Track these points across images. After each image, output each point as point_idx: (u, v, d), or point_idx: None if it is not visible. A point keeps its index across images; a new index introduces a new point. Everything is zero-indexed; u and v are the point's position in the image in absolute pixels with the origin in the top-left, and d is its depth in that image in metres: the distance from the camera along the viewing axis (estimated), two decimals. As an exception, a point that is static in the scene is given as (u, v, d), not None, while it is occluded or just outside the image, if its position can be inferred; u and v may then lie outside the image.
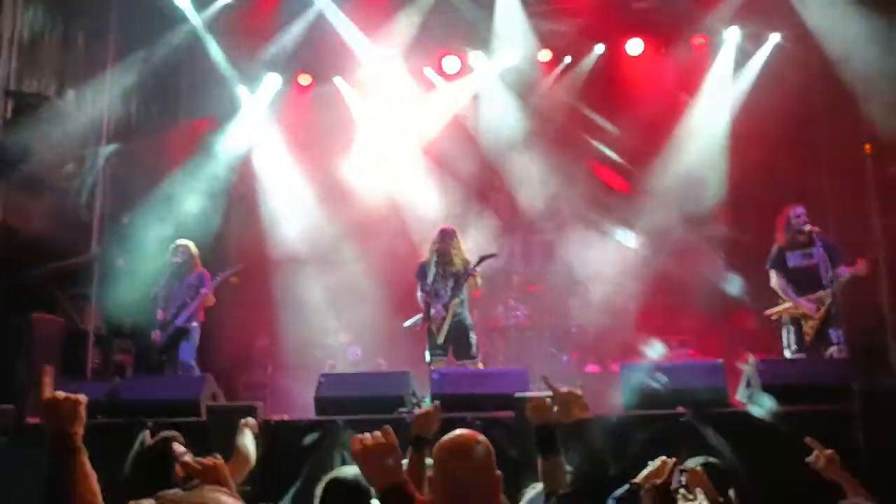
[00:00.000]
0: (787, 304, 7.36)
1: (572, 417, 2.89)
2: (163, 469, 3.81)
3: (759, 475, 5.12)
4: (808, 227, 7.30)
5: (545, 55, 11.32)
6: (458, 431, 2.61)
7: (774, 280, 7.46)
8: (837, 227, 9.47)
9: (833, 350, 6.97)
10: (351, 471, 3.59)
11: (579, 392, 2.95)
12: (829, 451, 3.73)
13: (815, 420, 5.37)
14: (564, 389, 2.96)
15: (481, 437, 2.58)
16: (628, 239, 10.26)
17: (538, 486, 3.84)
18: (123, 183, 10.58)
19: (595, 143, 11.10)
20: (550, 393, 2.99)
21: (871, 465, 4.97)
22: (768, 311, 7.57)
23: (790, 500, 4.86)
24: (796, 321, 7.31)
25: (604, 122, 11.15)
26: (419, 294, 7.70)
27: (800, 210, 7.42)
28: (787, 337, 7.36)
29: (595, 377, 9.91)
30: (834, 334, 7.05)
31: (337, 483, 3.40)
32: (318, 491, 3.49)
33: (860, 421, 5.15)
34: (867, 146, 9.80)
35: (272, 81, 11.55)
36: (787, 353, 7.30)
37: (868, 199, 9.63)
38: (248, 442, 4.25)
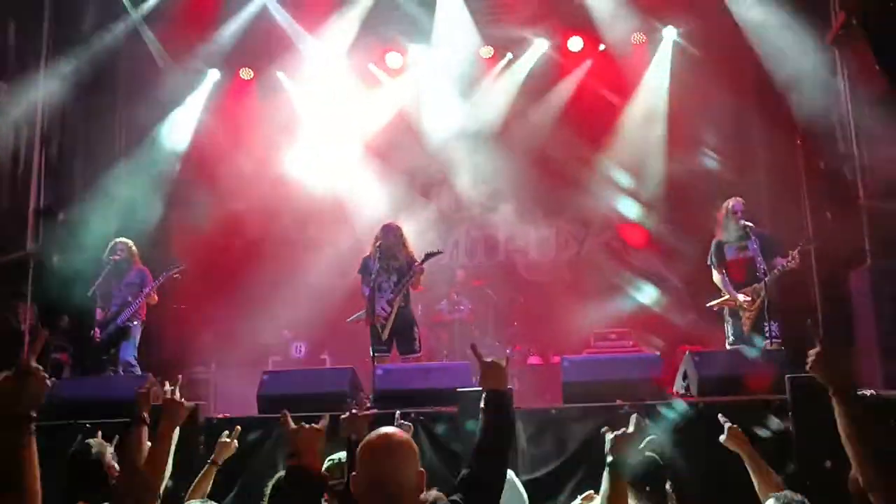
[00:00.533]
0: (727, 297, 7.56)
1: (491, 386, 2.94)
2: (97, 474, 3.78)
3: (696, 465, 5.27)
4: (744, 222, 7.50)
5: (487, 52, 11.39)
6: (383, 429, 2.65)
7: (716, 275, 7.68)
8: (772, 221, 9.78)
9: (767, 341, 7.18)
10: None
11: (503, 363, 3.01)
12: (731, 426, 4.05)
13: (749, 410, 5.54)
14: (489, 359, 3.01)
15: (403, 435, 2.61)
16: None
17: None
18: (60, 178, 10.36)
19: (536, 138, 11.18)
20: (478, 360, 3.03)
21: (800, 453, 5.15)
22: (710, 304, 7.76)
23: (726, 489, 4.99)
24: (735, 313, 7.53)
25: (544, 118, 11.24)
26: (362, 289, 7.69)
27: (737, 205, 7.62)
28: (727, 329, 7.60)
29: (537, 369, 10.05)
30: (768, 326, 7.27)
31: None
32: (268, 489, 3.51)
33: (791, 410, 5.32)
34: (799, 141, 10.10)
35: (213, 75, 11.39)
36: (727, 345, 7.52)
37: (800, 193, 9.91)
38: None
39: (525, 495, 4.39)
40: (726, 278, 7.63)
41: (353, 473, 2.57)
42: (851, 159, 9.24)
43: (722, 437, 4.06)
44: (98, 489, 3.83)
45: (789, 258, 7.33)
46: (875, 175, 9.09)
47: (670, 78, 10.77)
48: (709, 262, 7.81)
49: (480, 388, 2.98)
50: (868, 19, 8.63)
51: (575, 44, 11.22)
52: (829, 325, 9.08)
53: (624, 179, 10.53)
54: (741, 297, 7.45)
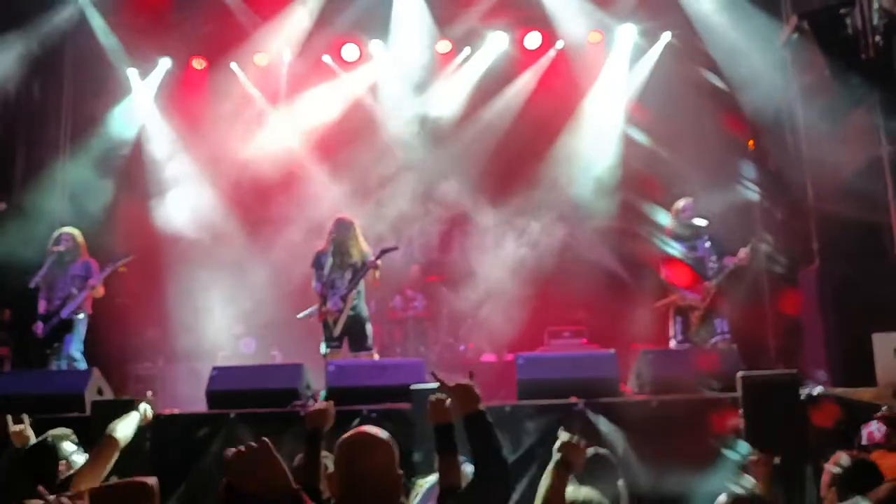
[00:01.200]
0: (675, 296, 7.60)
1: (466, 410, 2.87)
2: (47, 469, 3.69)
3: (649, 462, 5.30)
4: (695, 221, 7.56)
5: (444, 46, 11.33)
6: (362, 428, 2.59)
7: (662, 272, 7.68)
8: (724, 221, 9.90)
9: (717, 339, 7.25)
10: None
11: (471, 383, 2.96)
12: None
13: (701, 407, 5.60)
14: (453, 383, 2.96)
15: (385, 435, 2.56)
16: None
17: (431, 479, 3.87)
18: (2, 166, 10.06)
19: (492, 134, 11.17)
20: (442, 386, 2.99)
21: (751, 445, 5.21)
22: (657, 304, 7.80)
23: (678, 486, 5.01)
24: (683, 311, 7.55)
25: (501, 113, 11.23)
26: (314, 284, 7.57)
27: (687, 204, 7.68)
28: (674, 327, 7.60)
29: (491, 366, 10.04)
30: (718, 324, 7.35)
31: None
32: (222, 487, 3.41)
33: (742, 407, 5.38)
34: (750, 142, 10.25)
35: (164, 64, 11.14)
36: (672, 343, 7.54)
37: (751, 193, 10.06)
38: (127, 426, 4.05)
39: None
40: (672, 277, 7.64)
41: (329, 472, 2.51)
42: (801, 161, 9.39)
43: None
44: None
45: (739, 256, 7.41)
46: (823, 178, 9.26)
47: (628, 74, 10.83)
48: (658, 259, 7.82)
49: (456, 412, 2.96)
50: (818, 23, 8.78)
51: (532, 40, 11.21)
52: (779, 324, 9.26)
53: (580, 175, 10.54)
54: (691, 296, 7.46)
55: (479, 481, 2.75)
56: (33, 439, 4.10)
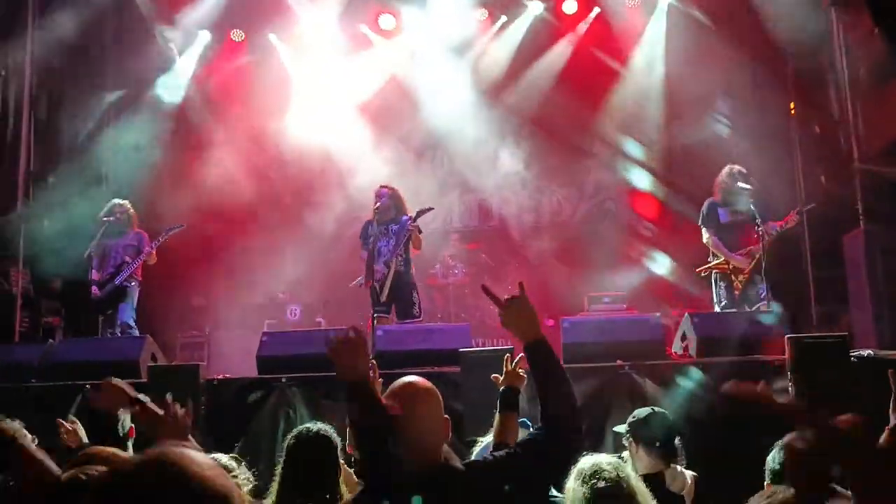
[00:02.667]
0: (718, 260, 7.56)
1: (528, 338, 2.66)
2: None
3: (693, 425, 5.34)
4: (739, 184, 7.50)
5: (481, 14, 11.27)
6: (405, 379, 2.66)
7: (707, 236, 7.64)
8: (764, 185, 9.81)
9: (761, 303, 7.22)
10: (316, 426, 3.64)
11: (525, 298, 2.69)
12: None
13: (747, 370, 5.61)
14: (508, 297, 2.71)
15: (426, 383, 2.63)
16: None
17: (486, 439, 3.96)
18: (49, 141, 10.24)
19: (530, 101, 11.12)
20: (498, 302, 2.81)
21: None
22: (699, 268, 7.77)
23: (722, 449, 5.05)
24: (726, 276, 7.51)
25: (539, 81, 11.17)
26: (362, 253, 7.67)
27: (737, 170, 7.61)
28: (718, 292, 7.55)
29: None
30: (760, 288, 7.31)
31: (306, 436, 3.44)
32: (287, 444, 3.52)
33: (790, 370, 5.38)
34: (792, 105, 10.11)
35: (204, 36, 11.22)
36: (717, 308, 7.51)
37: (794, 156, 9.94)
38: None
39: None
40: (720, 241, 7.59)
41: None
42: (846, 123, 9.27)
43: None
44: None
45: (786, 221, 7.35)
46: (869, 138, 9.13)
47: (666, 40, 10.70)
48: (700, 224, 7.76)
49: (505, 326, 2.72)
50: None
51: (569, 6, 11.11)
52: (821, 289, 9.18)
53: (620, 143, 10.49)
54: (738, 259, 7.44)
55: (546, 428, 2.60)
56: (85, 438, 4.15)
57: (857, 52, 9.03)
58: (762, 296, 7.26)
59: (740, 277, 7.42)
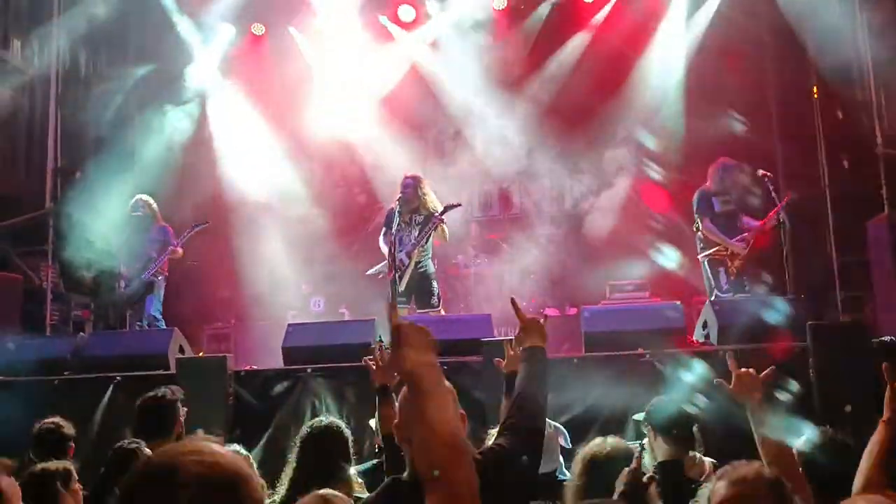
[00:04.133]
0: (718, 247, 7.59)
1: (531, 343, 2.92)
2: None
3: (715, 412, 5.36)
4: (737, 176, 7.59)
5: (500, 2, 11.27)
6: None
7: (704, 224, 7.68)
8: (787, 170, 9.77)
9: (761, 287, 7.31)
10: (328, 419, 3.75)
11: (542, 320, 3.03)
12: (741, 371, 3.07)
13: (770, 356, 5.61)
14: (530, 316, 3.03)
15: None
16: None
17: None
18: (75, 136, 10.39)
19: (550, 90, 11.12)
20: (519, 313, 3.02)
21: (821, 397, 5.24)
22: (701, 255, 7.77)
23: (743, 436, 5.07)
24: (722, 262, 7.56)
25: (559, 69, 11.16)
26: (381, 240, 7.67)
27: (729, 162, 7.70)
28: (717, 279, 7.57)
29: (554, 320, 10.12)
30: (763, 274, 7.39)
31: (318, 428, 3.54)
32: (301, 436, 3.62)
33: (811, 356, 5.39)
34: (815, 90, 10.04)
35: (225, 31, 11.31)
36: (717, 294, 7.52)
37: (816, 141, 9.88)
38: None
39: (562, 428, 4.49)
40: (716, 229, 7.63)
41: (396, 421, 2.62)
42: (869, 107, 9.20)
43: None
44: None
45: (768, 219, 7.40)
46: (893, 123, 9.06)
47: (686, 27, 10.63)
48: (695, 212, 7.81)
49: (518, 343, 3.00)
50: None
51: (590, -8, 11.07)
52: (844, 275, 9.14)
53: (640, 130, 10.45)
54: (736, 244, 7.48)
55: (511, 428, 2.72)
56: None
57: (881, 36, 8.95)
58: (764, 280, 7.34)
59: (736, 262, 7.46)
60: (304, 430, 3.76)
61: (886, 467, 2.55)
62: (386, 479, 2.68)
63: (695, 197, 7.80)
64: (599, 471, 2.96)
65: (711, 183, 7.77)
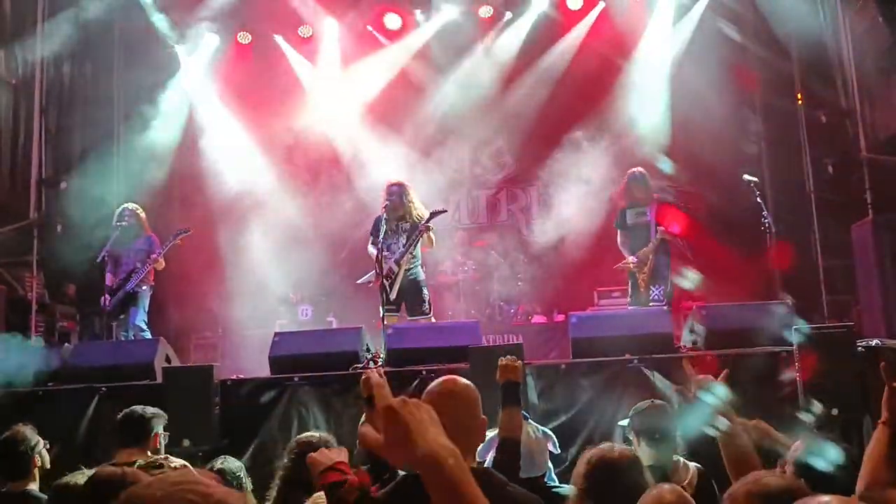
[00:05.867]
0: (628, 260, 7.77)
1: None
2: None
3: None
4: (646, 187, 7.72)
5: (486, 11, 11.30)
6: (447, 377, 2.70)
7: (618, 238, 7.94)
8: (773, 175, 9.83)
9: (653, 305, 7.37)
10: (318, 433, 3.76)
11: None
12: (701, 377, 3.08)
13: (756, 361, 5.64)
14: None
15: (468, 382, 2.67)
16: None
17: (491, 433, 4.02)
18: (60, 146, 10.34)
19: (537, 97, 11.14)
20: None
21: (806, 400, 5.26)
22: (616, 266, 7.96)
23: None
24: (633, 274, 7.73)
25: (545, 77, 11.19)
26: (370, 248, 7.64)
27: (638, 173, 7.82)
28: (630, 290, 7.79)
29: (542, 328, 10.14)
30: (654, 290, 7.49)
31: (307, 443, 3.54)
32: (290, 447, 3.61)
33: (797, 360, 5.41)
34: (799, 97, 10.11)
35: (210, 40, 11.30)
36: (629, 302, 7.78)
37: (801, 147, 9.95)
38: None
39: (551, 434, 4.49)
40: (625, 242, 7.87)
41: (381, 443, 2.61)
42: (853, 112, 9.27)
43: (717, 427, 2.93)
44: None
45: (671, 227, 7.63)
46: (877, 128, 9.13)
47: (672, 33, 10.68)
48: (615, 226, 8.02)
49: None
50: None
51: (574, 2, 11.11)
52: (830, 279, 9.19)
53: (626, 137, 10.46)
54: (631, 259, 7.65)
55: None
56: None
57: (864, 41, 9.03)
58: (654, 297, 7.42)
59: (641, 276, 7.59)
60: (293, 443, 3.76)
61: (889, 466, 2.55)
62: (399, 476, 2.68)
63: None
64: (606, 475, 2.84)
65: (621, 195, 7.96)
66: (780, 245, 7.54)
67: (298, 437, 3.88)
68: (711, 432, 2.93)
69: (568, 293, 10.19)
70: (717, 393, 2.89)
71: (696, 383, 3.01)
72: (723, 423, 2.87)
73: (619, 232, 7.94)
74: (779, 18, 9.64)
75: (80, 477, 3.20)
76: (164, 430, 4.48)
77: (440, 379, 2.71)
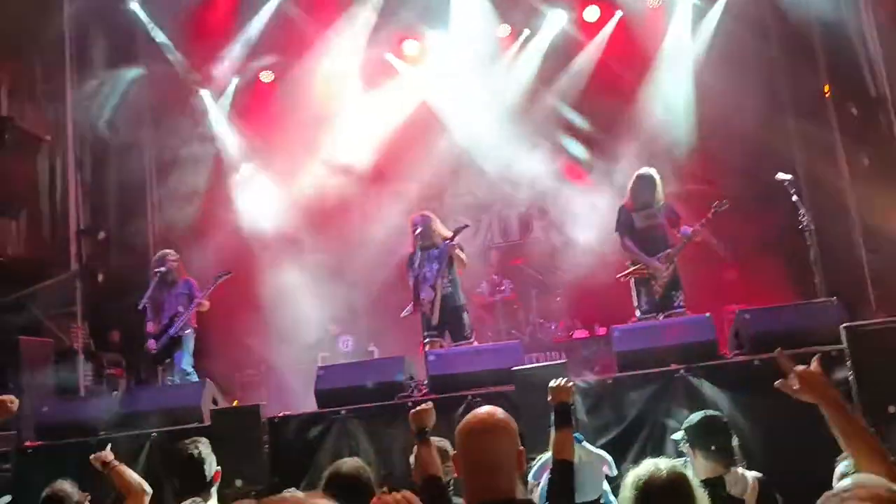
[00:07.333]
0: (638, 265, 7.37)
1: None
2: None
3: (755, 423, 5.27)
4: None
5: (504, 30, 11.34)
6: (482, 409, 2.69)
7: (623, 242, 7.50)
8: (806, 172, 9.68)
9: (673, 313, 7.06)
10: (351, 462, 3.74)
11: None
12: (802, 368, 2.79)
13: (805, 363, 5.52)
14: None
15: (504, 414, 2.66)
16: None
17: (545, 456, 3.99)
18: (96, 198, 10.54)
19: (559, 112, 11.14)
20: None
21: (863, 400, 5.14)
22: (620, 275, 7.57)
23: (787, 446, 4.98)
24: (645, 281, 7.33)
25: (568, 89, 11.18)
26: (410, 282, 7.68)
27: (651, 174, 7.48)
28: (638, 298, 7.39)
29: (584, 343, 10.06)
30: (677, 296, 7.18)
31: (337, 474, 3.53)
32: (322, 481, 3.62)
33: (849, 359, 5.30)
34: (826, 89, 9.98)
35: (234, 82, 11.48)
36: (638, 314, 7.35)
37: (832, 140, 9.80)
38: (130, 475, 4.32)
39: (607, 456, 4.46)
40: (636, 246, 7.38)
41: (454, 453, 2.63)
42: (884, 101, 9.12)
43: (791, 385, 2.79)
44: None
45: (696, 227, 7.23)
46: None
47: (692, 38, 10.63)
48: (616, 230, 7.62)
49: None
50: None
51: (591, 13, 11.12)
52: (875, 274, 9.01)
53: (654, 144, 10.38)
54: (655, 264, 7.24)
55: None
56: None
57: (889, 27, 8.90)
58: (675, 305, 7.12)
59: (660, 281, 7.23)
60: (327, 472, 3.76)
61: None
62: None
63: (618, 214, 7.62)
64: (655, 499, 2.74)
65: (629, 198, 7.58)
66: (819, 243, 7.38)
67: (335, 463, 3.84)
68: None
69: (608, 306, 10.09)
70: None
71: (801, 378, 2.74)
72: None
73: (623, 237, 7.48)
74: (798, 11, 9.54)
75: None
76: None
77: (475, 412, 2.70)
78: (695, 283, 9.68)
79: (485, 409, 2.70)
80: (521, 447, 2.63)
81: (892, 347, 5.24)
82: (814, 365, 2.76)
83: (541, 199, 11.53)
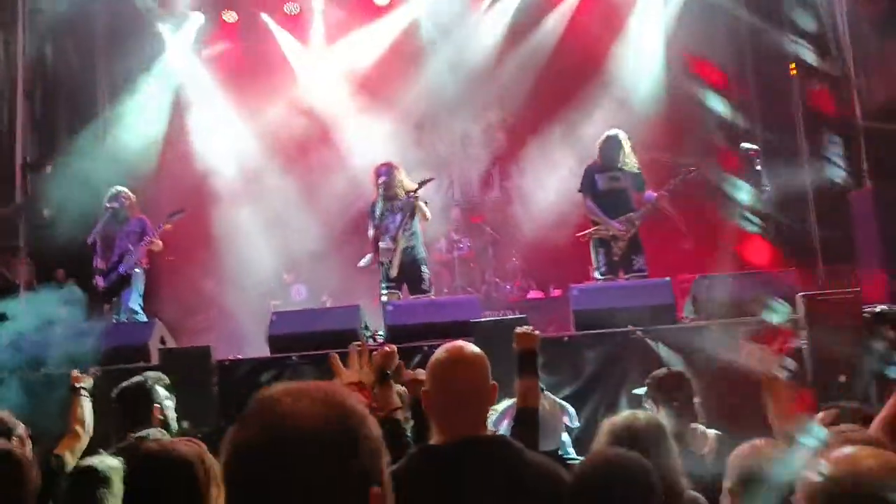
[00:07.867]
0: (599, 226, 7.47)
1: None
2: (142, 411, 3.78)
3: (709, 387, 5.32)
4: (623, 153, 7.46)
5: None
6: (454, 343, 2.63)
7: (586, 202, 7.59)
8: (767, 147, 9.74)
9: (633, 275, 7.16)
10: None
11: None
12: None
13: (760, 329, 5.59)
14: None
15: (476, 348, 2.60)
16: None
17: (504, 403, 3.96)
18: (45, 131, 10.17)
19: (527, 72, 11.02)
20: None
21: (815, 368, 5.22)
22: (580, 234, 7.67)
23: (739, 409, 5.03)
24: (605, 242, 7.42)
25: (536, 51, 11.06)
26: (370, 232, 7.58)
27: (619, 135, 7.56)
28: (596, 258, 7.48)
29: (539, 303, 10.08)
30: (637, 260, 7.26)
31: None
32: None
33: (804, 328, 5.37)
34: (792, 66, 10.03)
35: (196, 18, 11.10)
36: (597, 275, 7.44)
37: (795, 117, 9.89)
38: (86, 413, 4.08)
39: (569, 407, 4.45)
40: (598, 207, 7.48)
41: (426, 389, 2.59)
42: (848, 81, 9.19)
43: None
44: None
45: (661, 192, 7.31)
46: (873, 96, 9.07)
47: (663, 4, 10.57)
48: (579, 190, 7.71)
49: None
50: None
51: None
52: (828, 248, 9.16)
53: (618, 112, 10.35)
54: (615, 226, 7.34)
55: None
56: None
57: (859, 7, 8.94)
58: (636, 268, 7.20)
59: (619, 244, 7.32)
60: None
61: None
62: (412, 447, 2.69)
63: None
64: (631, 444, 2.71)
65: (597, 158, 7.63)
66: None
67: None
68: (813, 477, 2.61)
69: (564, 268, 10.10)
70: (817, 435, 2.64)
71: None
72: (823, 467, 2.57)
73: (586, 197, 7.55)
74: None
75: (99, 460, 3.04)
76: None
77: (446, 346, 2.63)
78: (650, 251, 9.82)
79: (456, 343, 2.65)
80: (494, 382, 2.58)
81: (846, 318, 5.33)
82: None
83: (502, 161, 11.46)
